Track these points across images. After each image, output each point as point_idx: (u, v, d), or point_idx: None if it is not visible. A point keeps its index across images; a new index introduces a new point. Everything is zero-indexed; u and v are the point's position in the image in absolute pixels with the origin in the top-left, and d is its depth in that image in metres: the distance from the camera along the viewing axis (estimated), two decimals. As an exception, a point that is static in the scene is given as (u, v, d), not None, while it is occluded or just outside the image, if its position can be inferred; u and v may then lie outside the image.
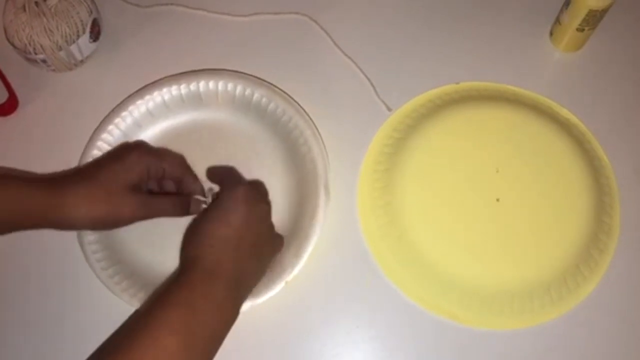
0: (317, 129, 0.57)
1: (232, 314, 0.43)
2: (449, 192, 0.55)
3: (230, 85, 0.59)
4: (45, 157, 0.58)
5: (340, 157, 0.58)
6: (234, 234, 0.44)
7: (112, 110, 0.58)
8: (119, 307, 0.51)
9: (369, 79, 0.62)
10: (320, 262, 0.54)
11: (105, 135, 0.57)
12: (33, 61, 0.60)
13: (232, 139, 0.59)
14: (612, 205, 0.56)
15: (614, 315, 0.53)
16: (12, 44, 0.59)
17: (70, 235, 0.54)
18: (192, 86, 0.59)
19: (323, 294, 0.54)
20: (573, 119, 0.60)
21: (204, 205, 0.51)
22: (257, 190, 0.49)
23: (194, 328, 0.40)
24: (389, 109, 0.61)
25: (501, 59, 0.64)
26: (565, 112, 0.60)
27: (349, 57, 0.63)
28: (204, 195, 0.53)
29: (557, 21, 0.62)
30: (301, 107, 0.58)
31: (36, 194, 0.46)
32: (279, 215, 0.55)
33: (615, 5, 0.57)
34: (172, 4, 0.66)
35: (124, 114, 0.58)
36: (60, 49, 0.59)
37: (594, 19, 0.58)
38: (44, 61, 0.59)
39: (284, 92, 0.59)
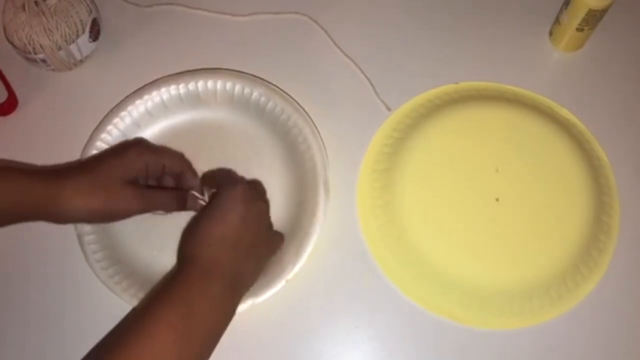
0: (316, 128, 0.57)
1: (229, 312, 0.44)
2: (449, 192, 0.55)
3: (228, 85, 0.59)
4: (44, 156, 0.58)
5: (340, 157, 0.58)
6: (231, 232, 0.44)
7: (111, 110, 0.58)
8: (118, 306, 0.51)
9: (368, 79, 0.62)
10: (320, 262, 0.54)
11: (104, 135, 0.57)
12: (32, 61, 0.60)
13: (231, 138, 0.59)
14: (612, 205, 0.56)
15: (614, 315, 0.53)
16: (12, 44, 0.59)
17: (71, 235, 0.54)
18: (191, 86, 0.59)
19: (323, 294, 0.54)
20: (573, 118, 0.60)
21: (201, 202, 0.51)
22: (255, 190, 0.49)
23: (191, 325, 0.40)
24: (389, 109, 0.61)
25: (501, 59, 0.64)
26: (564, 112, 0.61)
27: (349, 57, 0.63)
28: (202, 193, 0.53)
29: (557, 21, 0.62)
30: (301, 106, 0.58)
31: (34, 184, 0.46)
32: (279, 214, 0.55)
33: (615, 5, 0.57)
34: (171, 4, 0.66)
35: (122, 113, 0.58)
36: (59, 48, 0.59)
37: (593, 18, 0.58)
38: (43, 61, 0.59)
39: (283, 91, 0.59)
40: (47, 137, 0.60)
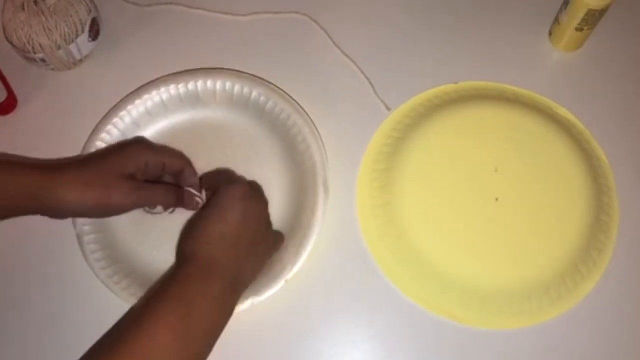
0: (316, 127, 0.57)
1: (228, 311, 0.44)
2: (448, 192, 0.55)
3: (228, 84, 0.59)
4: (43, 156, 0.58)
5: (340, 157, 0.58)
6: (230, 231, 0.44)
7: (111, 110, 0.58)
8: (118, 306, 0.51)
9: (368, 79, 0.62)
10: (320, 262, 0.54)
11: (103, 135, 0.57)
12: (32, 60, 0.60)
13: (230, 138, 0.59)
14: (611, 205, 0.57)
15: (613, 315, 0.53)
16: (11, 43, 0.59)
17: (70, 235, 0.54)
18: (190, 85, 0.59)
19: (322, 294, 0.54)
20: (572, 118, 0.60)
21: (199, 200, 0.51)
22: (254, 189, 0.49)
23: (189, 323, 0.40)
24: (388, 109, 0.61)
25: (500, 59, 0.64)
26: (564, 112, 0.61)
27: (349, 57, 0.63)
28: (200, 192, 0.53)
29: (557, 21, 0.62)
30: (300, 106, 0.58)
31: (31, 175, 0.46)
32: (278, 214, 0.55)
33: (615, 4, 0.57)
34: (171, 4, 0.66)
35: (122, 113, 0.58)
36: (59, 48, 0.59)
37: (593, 18, 0.58)
38: (43, 60, 0.59)
39: (283, 90, 0.59)
40: (46, 136, 0.60)
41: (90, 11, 0.60)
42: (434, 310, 0.53)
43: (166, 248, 0.53)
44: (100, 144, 0.57)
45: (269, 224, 0.49)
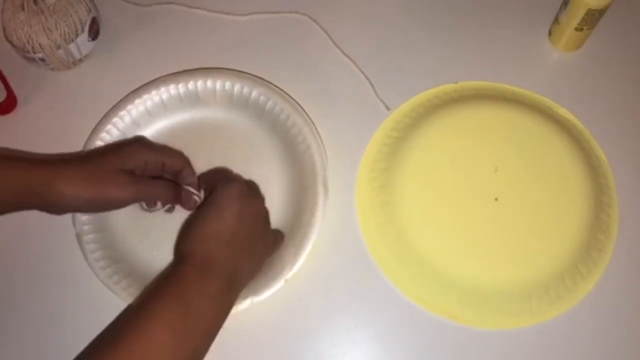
0: (315, 127, 0.57)
1: (225, 309, 0.44)
2: (448, 192, 0.55)
3: (227, 84, 0.59)
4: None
5: (339, 156, 0.58)
6: (227, 229, 0.44)
7: (110, 110, 0.58)
8: (118, 306, 0.51)
9: (368, 78, 0.62)
10: (319, 261, 0.54)
11: (103, 135, 0.57)
12: (32, 60, 0.60)
13: (230, 138, 0.59)
14: (611, 205, 0.57)
15: (613, 314, 0.53)
16: (11, 43, 0.59)
17: (70, 235, 0.54)
18: (190, 85, 0.59)
19: (322, 293, 0.54)
20: (572, 118, 0.60)
21: (196, 199, 0.51)
22: (251, 187, 0.48)
23: (186, 321, 0.40)
24: (388, 108, 0.61)
25: (500, 59, 0.64)
26: (563, 112, 0.61)
27: (348, 57, 0.63)
28: (198, 191, 0.53)
29: (556, 21, 0.62)
30: (300, 105, 0.58)
31: (30, 169, 0.46)
32: (278, 213, 0.55)
33: (614, 4, 0.57)
34: (171, 3, 0.66)
35: (122, 113, 0.58)
36: (58, 47, 0.59)
37: (592, 18, 0.58)
38: (42, 60, 0.59)
39: (283, 90, 0.59)
40: (46, 136, 0.60)
41: (90, 11, 0.60)
42: (433, 310, 0.53)
43: (166, 248, 0.53)
44: (100, 143, 0.57)
45: (267, 221, 0.49)
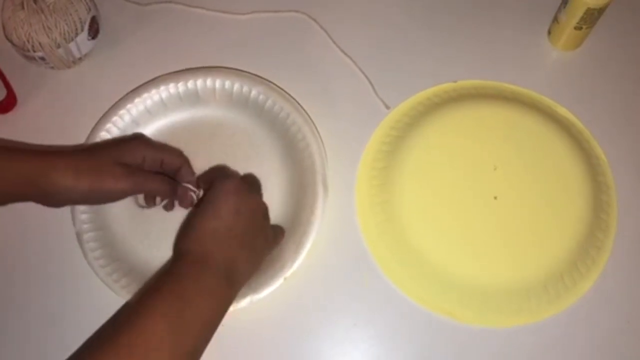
0: (315, 126, 0.57)
1: (224, 303, 0.44)
2: (447, 190, 0.56)
3: (227, 83, 0.59)
4: (43, 154, 0.58)
5: (339, 155, 0.58)
6: (224, 225, 0.45)
7: (110, 109, 0.58)
8: (117, 304, 0.51)
9: (367, 77, 0.62)
10: (319, 260, 0.54)
11: (103, 134, 0.57)
12: (31, 59, 0.60)
13: (230, 137, 0.59)
14: (610, 203, 0.57)
15: (611, 313, 0.53)
16: (11, 42, 0.59)
17: (69, 233, 0.54)
18: (190, 84, 0.59)
19: (321, 292, 0.54)
20: (571, 117, 0.60)
21: (193, 195, 0.51)
22: (249, 183, 0.49)
23: (185, 316, 0.40)
24: (387, 107, 0.61)
25: (499, 58, 0.64)
26: (563, 111, 0.61)
27: (348, 56, 0.63)
28: (197, 188, 0.53)
29: (555, 20, 0.62)
30: (299, 104, 0.58)
31: (29, 160, 0.46)
32: (277, 212, 0.55)
33: (613, 3, 0.57)
34: (170, 2, 0.66)
35: (121, 112, 0.58)
36: (58, 46, 0.59)
37: (591, 17, 0.58)
38: (42, 59, 0.59)
39: (282, 89, 0.59)
40: (46, 135, 0.60)
41: (90, 9, 0.60)
42: (432, 309, 0.53)
43: (165, 246, 0.53)
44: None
45: (266, 216, 0.49)
